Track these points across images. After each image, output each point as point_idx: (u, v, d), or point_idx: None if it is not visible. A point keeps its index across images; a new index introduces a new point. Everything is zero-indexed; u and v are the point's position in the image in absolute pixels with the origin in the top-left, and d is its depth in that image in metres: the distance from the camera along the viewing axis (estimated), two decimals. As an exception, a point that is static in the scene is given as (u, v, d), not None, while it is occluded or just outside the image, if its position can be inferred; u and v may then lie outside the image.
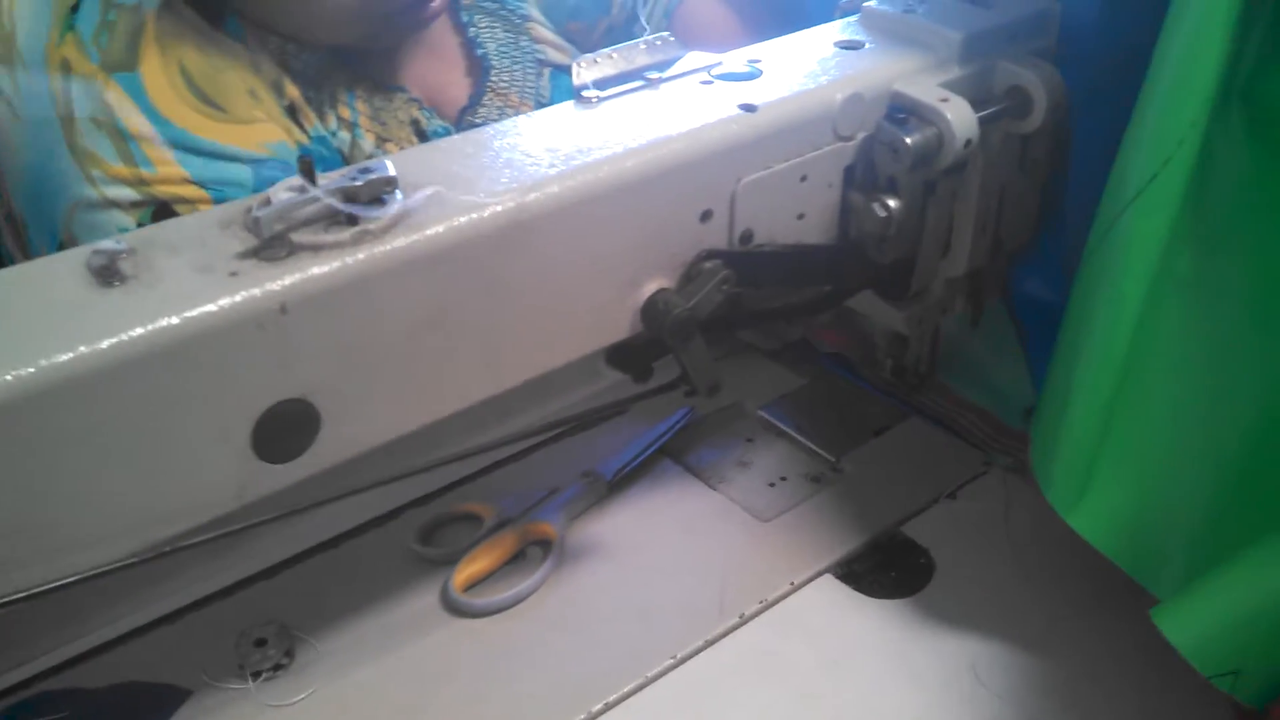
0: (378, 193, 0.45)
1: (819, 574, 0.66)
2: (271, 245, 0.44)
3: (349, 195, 0.44)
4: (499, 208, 0.47)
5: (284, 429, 0.45)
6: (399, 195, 0.46)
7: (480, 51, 0.90)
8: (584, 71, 0.55)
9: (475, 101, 0.90)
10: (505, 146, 0.51)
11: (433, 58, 0.90)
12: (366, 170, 0.46)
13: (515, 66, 0.91)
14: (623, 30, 0.98)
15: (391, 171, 0.46)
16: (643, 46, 0.58)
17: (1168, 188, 0.51)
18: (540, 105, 0.91)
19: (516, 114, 0.88)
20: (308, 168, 0.45)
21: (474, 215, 0.47)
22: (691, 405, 0.77)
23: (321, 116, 0.82)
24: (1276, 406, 0.51)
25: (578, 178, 0.50)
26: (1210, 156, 0.52)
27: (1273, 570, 0.46)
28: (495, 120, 0.87)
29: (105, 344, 0.40)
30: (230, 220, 0.45)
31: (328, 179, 0.46)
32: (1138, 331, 0.53)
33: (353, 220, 0.45)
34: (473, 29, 0.91)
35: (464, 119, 0.89)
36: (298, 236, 0.44)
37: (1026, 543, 0.67)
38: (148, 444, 0.42)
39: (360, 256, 0.44)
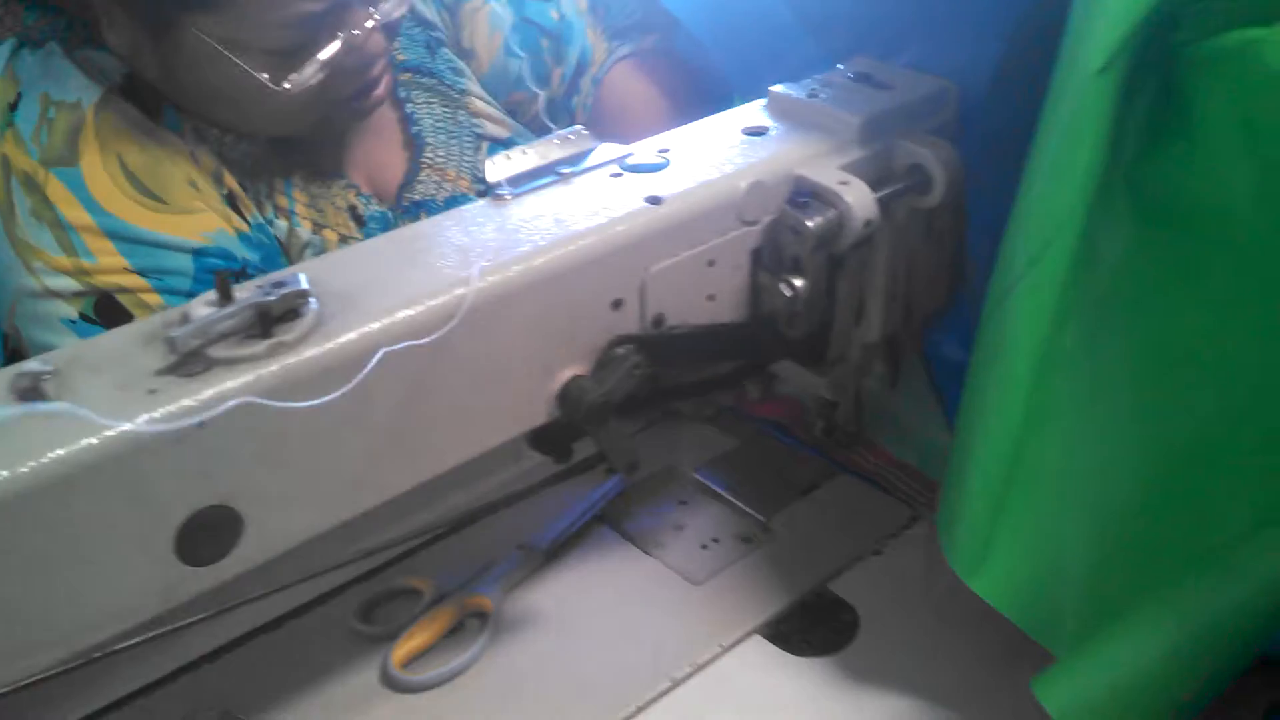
0: (292, 305, 0.47)
1: (748, 635, 0.68)
2: (188, 361, 0.46)
3: (263, 310, 0.46)
4: (411, 313, 0.50)
5: (207, 534, 0.47)
6: (313, 305, 0.48)
7: (415, 129, 0.93)
8: (496, 169, 0.58)
9: (411, 178, 0.92)
10: (420, 249, 0.54)
11: (370, 137, 0.92)
12: (280, 284, 0.48)
13: (452, 141, 0.93)
14: (562, 102, 1.01)
15: (304, 284, 0.48)
16: (556, 141, 0.60)
17: (1049, 270, 0.53)
18: (476, 179, 0.94)
19: (454, 188, 0.91)
20: (223, 284, 0.47)
21: (386, 321, 0.49)
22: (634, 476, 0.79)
23: (259, 206, 0.84)
24: (1155, 476, 0.54)
25: (489, 278, 0.52)
26: (1094, 236, 0.55)
27: (1143, 640, 0.49)
28: (433, 195, 0.90)
29: (26, 467, 0.42)
30: (152, 336, 0.47)
31: (244, 291, 0.48)
32: (1030, 403, 0.56)
33: (267, 333, 0.47)
34: (410, 105, 0.93)
35: (402, 196, 0.92)
36: (214, 351, 0.46)
37: (948, 596, 0.69)
38: (70, 557, 0.44)
39: (275, 369, 0.46)
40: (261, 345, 0.46)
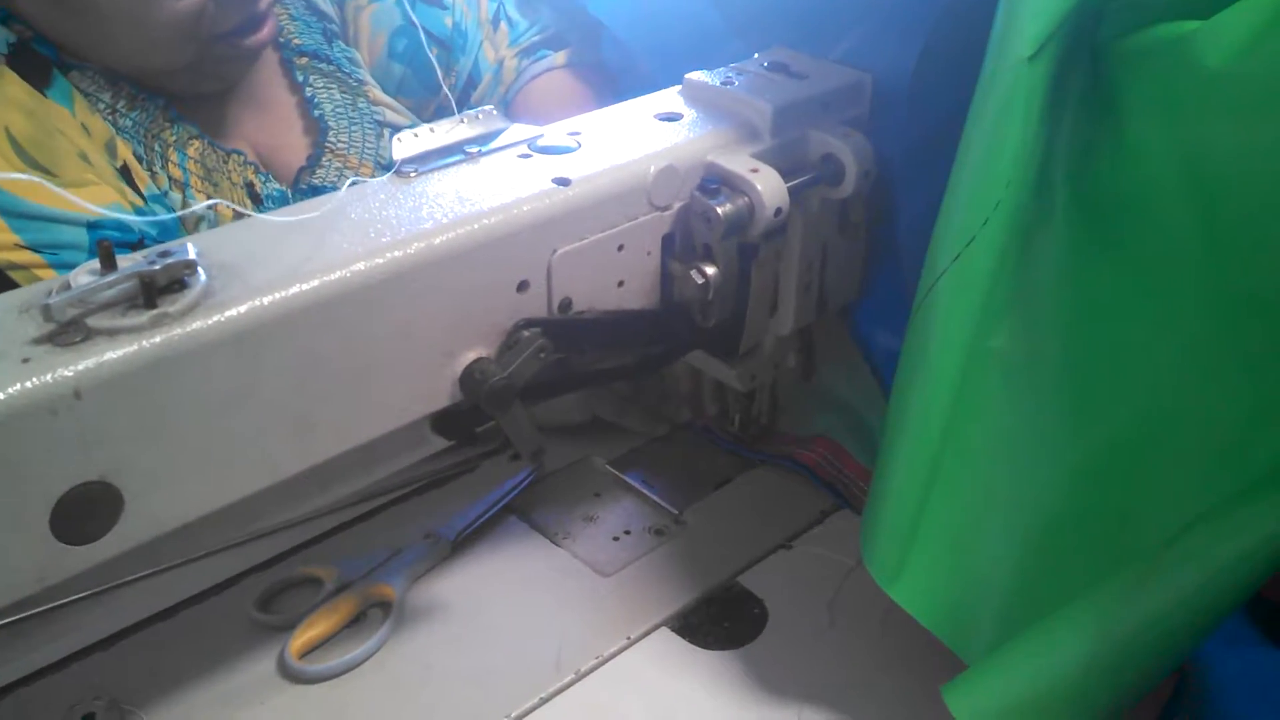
0: (177, 275, 0.46)
1: (655, 627, 0.67)
2: (66, 330, 0.44)
3: (147, 279, 0.45)
4: (304, 286, 0.48)
5: (84, 511, 0.45)
6: (201, 276, 0.47)
7: (317, 112, 0.91)
8: (402, 147, 0.57)
9: (314, 162, 0.91)
10: (316, 225, 0.52)
11: (269, 118, 0.91)
12: (166, 253, 0.46)
13: (354, 127, 0.92)
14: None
15: (192, 254, 0.47)
16: (464, 121, 0.59)
17: (972, 265, 0.52)
18: (380, 165, 0.93)
19: (356, 174, 0.89)
20: (107, 252, 0.46)
21: (277, 295, 0.48)
22: (540, 462, 0.78)
23: (154, 177, 0.82)
24: (1080, 485, 0.53)
25: (386, 254, 0.51)
26: (1030, 234, 0.53)
27: (1060, 650, 0.47)
28: (334, 181, 0.89)
29: (-111, 436, 0.40)
30: (29, 305, 0.46)
31: (129, 261, 0.46)
32: (955, 406, 0.55)
33: (151, 303, 0.45)
34: (309, 89, 0.92)
35: (301, 179, 0.90)
36: (94, 321, 0.44)
37: (858, 591, 0.69)
38: (-64, 532, 0.42)
39: (157, 340, 0.45)
40: (144, 316, 0.45)
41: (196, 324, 0.46)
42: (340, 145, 0.91)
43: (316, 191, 0.90)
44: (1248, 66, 0.46)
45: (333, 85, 0.92)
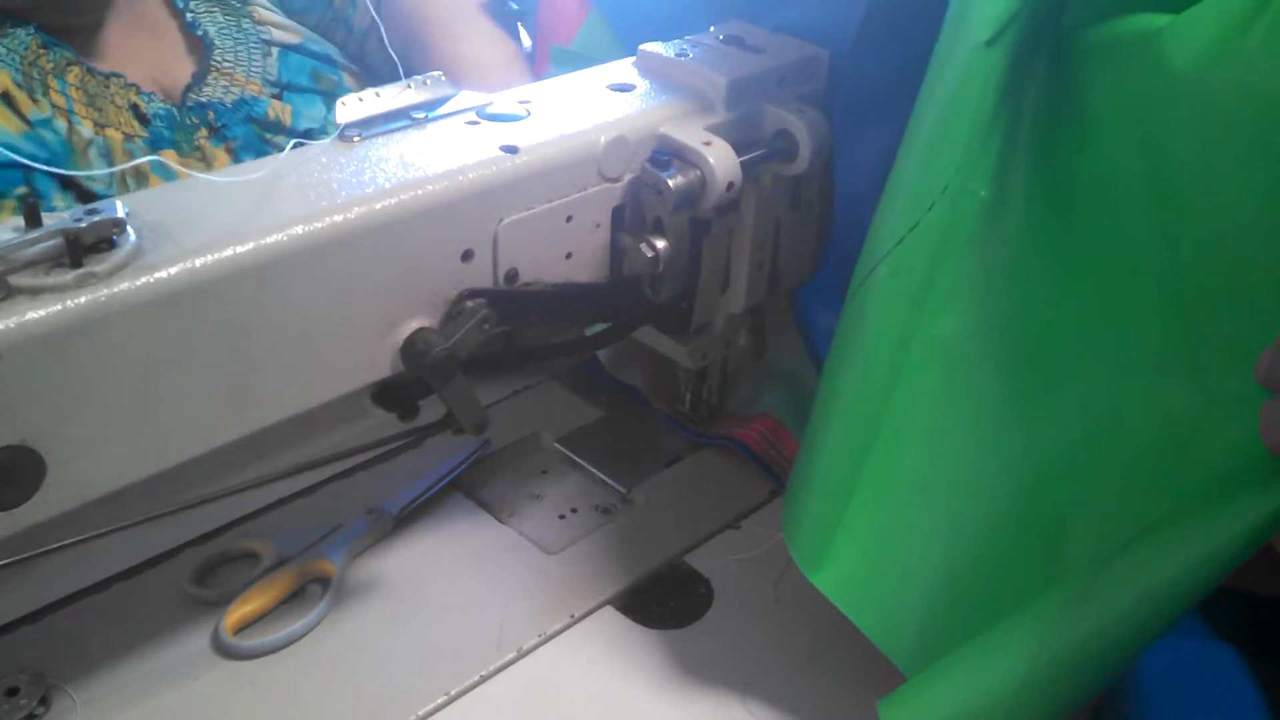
0: (105, 234, 0.44)
1: (600, 605, 0.66)
2: (-13, 288, 0.42)
3: (72, 237, 0.43)
4: (238, 249, 0.47)
5: (4, 476, 0.44)
6: (131, 236, 0.45)
7: (200, 32, 0.92)
8: (346, 111, 0.55)
9: (199, 80, 0.91)
10: (254, 187, 0.51)
11: (149, 41, 0.91)
12: (94, 211, 0.45)
13: (239, 47, 0.93)
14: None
15: (121, 212, 0.45)
16: (411, 86, 0.58)
17: (917, 250, 0.51)
18: (269, 83, 0.94)
19: (243, 92, 0.91)
20: (31, 209, 0.44)
21: (210, 257, 0.46)
22: (487, 438, 0.77)
23: (35, 103, 0.81)
24: (1018, 487, 0.52)
25: (325, 218, 0.49)
26: (986, 223, 0.52)
27: (997, 665, 0.46)
28: (221, 97, 0.90)
29: None
30: (-51, 262, 0.44)
31: (54, 219, 0.45)
32: (889, 391, 0.54)
33: (77, 262, 0.44)
34: (190, 14, 0.92)
35: (188, 97, 0.90)
36: (16, 279, 0.43)
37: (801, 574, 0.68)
38: None
39: (82, 300, 0.43)
40: (69, 275, 0.43)
41: (124, 285, 0.44)
42: (226, 64, 0.91)
43: (204, 107, 0.90)
44: (1214, 71, 0.44)
45: (214, 8, 0.93)
